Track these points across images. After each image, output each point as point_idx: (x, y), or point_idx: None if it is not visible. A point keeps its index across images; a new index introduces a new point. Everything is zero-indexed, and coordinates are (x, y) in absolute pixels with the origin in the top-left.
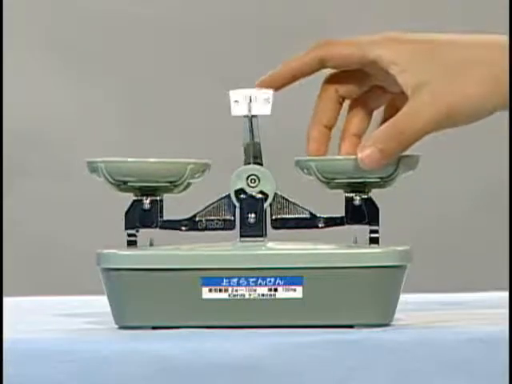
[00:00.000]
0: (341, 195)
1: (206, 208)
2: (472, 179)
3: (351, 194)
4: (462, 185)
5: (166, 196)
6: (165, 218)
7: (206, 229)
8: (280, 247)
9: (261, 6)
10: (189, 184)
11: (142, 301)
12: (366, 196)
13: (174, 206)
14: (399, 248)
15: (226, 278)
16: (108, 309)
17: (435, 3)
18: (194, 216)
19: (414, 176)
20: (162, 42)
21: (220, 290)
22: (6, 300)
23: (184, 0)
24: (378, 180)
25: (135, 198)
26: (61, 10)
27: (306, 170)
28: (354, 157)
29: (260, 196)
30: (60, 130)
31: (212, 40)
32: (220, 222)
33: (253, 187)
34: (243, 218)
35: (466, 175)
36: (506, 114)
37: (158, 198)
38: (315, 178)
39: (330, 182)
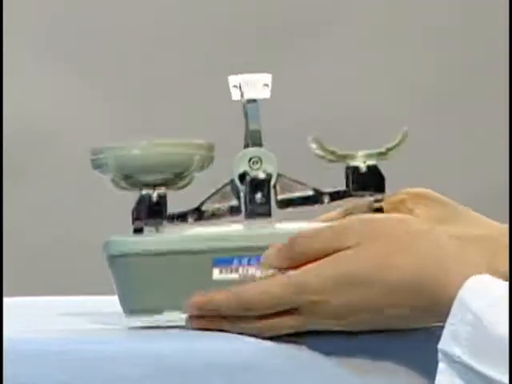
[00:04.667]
0: (339, 171)
1: (210, 196)
2: (472, 180)
3: (356, 163)
4: (462, 185)
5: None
6: (169, 212)
7: (212, 217)
8: (289, 225)
9: (261, 5)
10: (192, 178)
11: (152, 285)
12: (372, 163)
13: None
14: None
15: (237, 257)
16: (108, 309)
17: (435, 2)
18: (200, 206)
19: (414, 177)
20: (162, 41)
21: (231, 271)
22: (6, 300)
23: (184, 0)
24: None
25: (143, 192)
26: (61, 9)
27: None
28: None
29: (265, 176)
30: (60, 130)
31: (212, 37)
32: (226, 209)
33: (256, 169)
34: (250, 199)
35: (466, 176)
36: (507, 115)
37: (164, 191)
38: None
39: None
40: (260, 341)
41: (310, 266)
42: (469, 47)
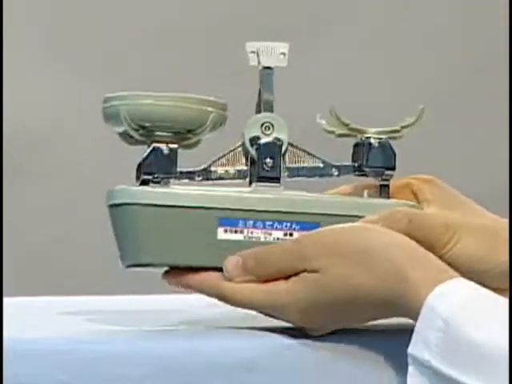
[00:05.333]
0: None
1: (220, 158)
2: (472, 179)
3: (370, 135)
4: (462, 185)
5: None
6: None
7: (219, 178)
8: (296, 192)
9: (260, 6)
10: (204, 135)
11: (155, 238)
12: (383, 139)
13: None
14: (411, 202)
15: (243, 219)
16: (107, 308)
17: (436, 2)
18: (209, 166)
19: (417, 173)
20: (162, 42)
21: (235, 231)
22: (5, 300)
23: (184, 0)
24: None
25: (155, 144)
26: (61, 10)
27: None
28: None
29: (276, 141)
30: (60, 130)
31: (213, 39)
32: (234, 172)
33: (267, 134)
34: (260, 163)
35: (466, 176)
36: (507, 115)
37: (176, 146)
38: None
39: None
40: (262, 340)
41: (282, 284)
42: (469, 47)
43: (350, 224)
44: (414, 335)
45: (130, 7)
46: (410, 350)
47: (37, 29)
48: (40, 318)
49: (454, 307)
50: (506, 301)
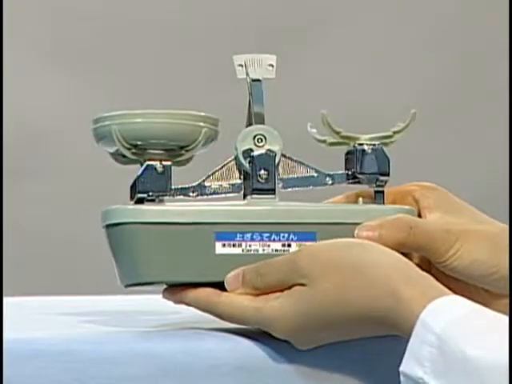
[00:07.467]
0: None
1: (213, 172)
2: (472, 180)
3: (362, 142)
4: (461, 185)
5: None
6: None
7: (214, 193)
8: (292, 203)
9: (261, 6)
10: (196, 151)
11: (153, 256)
12: (376, 146)
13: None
14: (406, 207)
15: (240, 232)
16: (107, 309)
17: (435, 3)
18: (203, 182)
19: (413, 177)
20: (163, 43)
21: (233, 245)
22: (6, 300)
23: (184, 1)
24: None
25: (149, 162)
26: (61, 11)
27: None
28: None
29: (271, 153)
30: (60, 131)
31: (213, 41)
32: (228, 186)
33: (260, 146)
34: (254, 175)
35: (465, 176)
36: (507, 115)
37: (169, 164)
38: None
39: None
40: (263, 340)
41: (272, 300)
42: (467, 48)
43: (345, 239)
44: (407, 352)
45: (130, 9)
46: (402, 368)
47: (38, 31)
48: (40, 318)
49: (447, 323)
50: (497, 315)
